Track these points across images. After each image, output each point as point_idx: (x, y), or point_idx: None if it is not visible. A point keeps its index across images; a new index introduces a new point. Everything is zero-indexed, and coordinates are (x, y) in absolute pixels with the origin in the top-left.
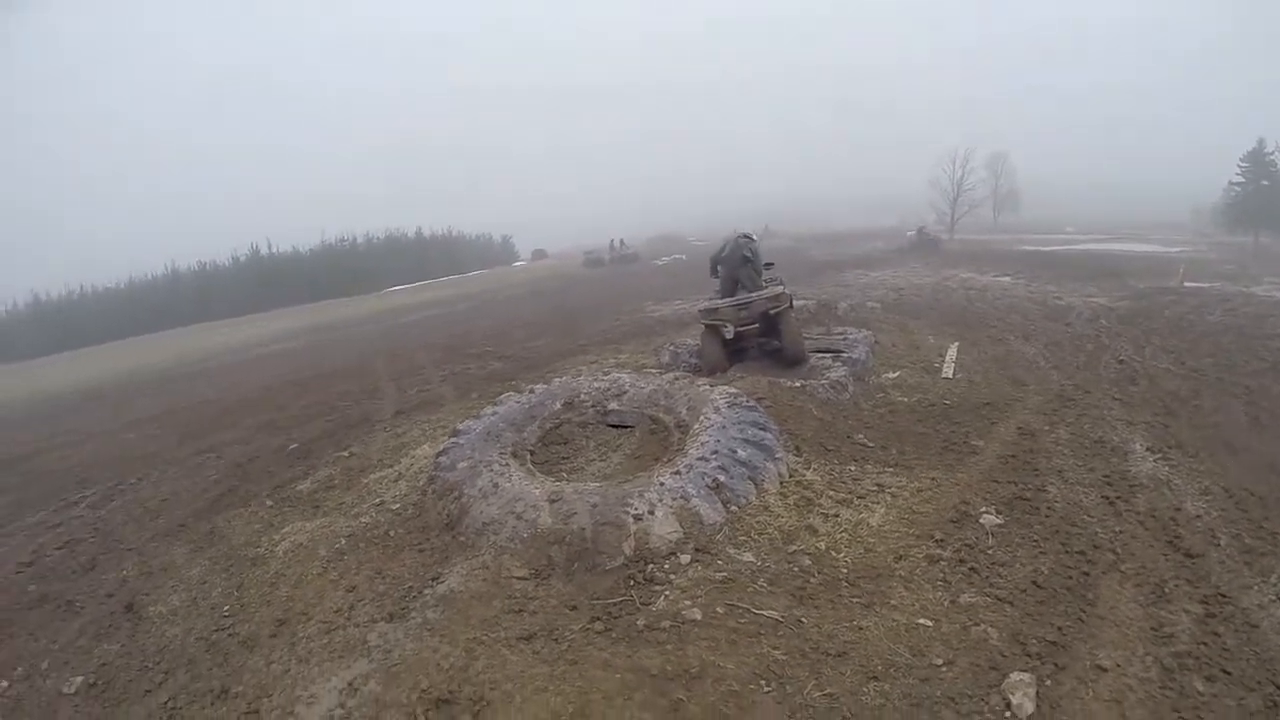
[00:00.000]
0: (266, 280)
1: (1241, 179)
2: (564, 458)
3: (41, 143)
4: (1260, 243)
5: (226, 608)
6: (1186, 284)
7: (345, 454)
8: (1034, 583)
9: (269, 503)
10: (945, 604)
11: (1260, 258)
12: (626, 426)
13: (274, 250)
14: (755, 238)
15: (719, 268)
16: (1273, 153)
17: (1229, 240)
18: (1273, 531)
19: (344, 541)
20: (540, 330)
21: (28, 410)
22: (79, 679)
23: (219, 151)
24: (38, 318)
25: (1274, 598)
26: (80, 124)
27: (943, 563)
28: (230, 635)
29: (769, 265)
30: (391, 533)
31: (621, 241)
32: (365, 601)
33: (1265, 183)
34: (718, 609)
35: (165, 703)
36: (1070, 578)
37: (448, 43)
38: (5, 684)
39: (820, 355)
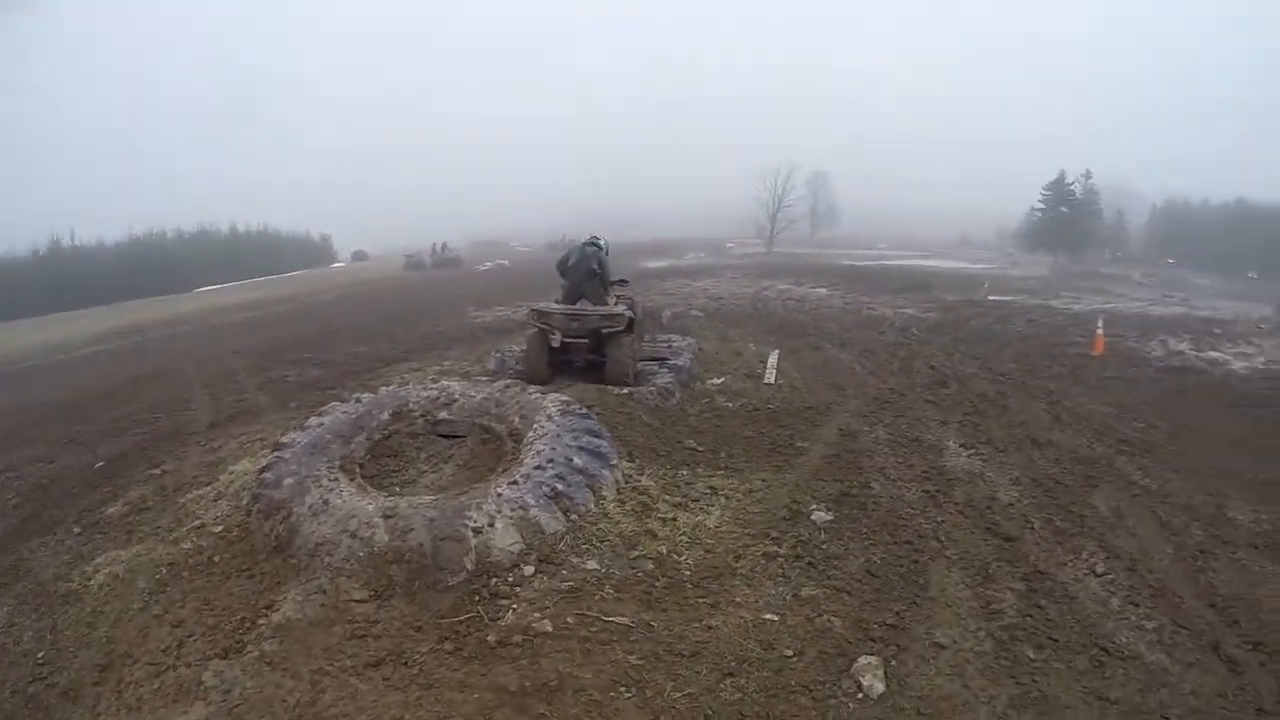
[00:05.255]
0: (68, 278)
1: (1042, 205)
2: (395, 470)
3: None
4: (1059, 261)
5: (41, 654)
6: (991, 297)
7: (158, 471)
8: (868, 572)
9: (77, 529)
10: (788, 598)
11: (1059, 275)
12: (458, 436)
13: (77, 244)
14: (603, 245)
15: (563, 276)
16: (1073, 183)
17: (1030, 259)
18: (1079, 514)
19: (164, 571)
20: (360, 335)
21: None
22: None
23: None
24: None
25: (1086, 572)
26: None
27: (780, 559)
28: (49, 686)
29: (622, 282)
30: (216, 558)
31: (444, 245)
32: (195, 637)
33: (1064, 210)
34: (568, 619)
35: None
36: (902, 566)
37: None
38: None
39: (646, 363)
